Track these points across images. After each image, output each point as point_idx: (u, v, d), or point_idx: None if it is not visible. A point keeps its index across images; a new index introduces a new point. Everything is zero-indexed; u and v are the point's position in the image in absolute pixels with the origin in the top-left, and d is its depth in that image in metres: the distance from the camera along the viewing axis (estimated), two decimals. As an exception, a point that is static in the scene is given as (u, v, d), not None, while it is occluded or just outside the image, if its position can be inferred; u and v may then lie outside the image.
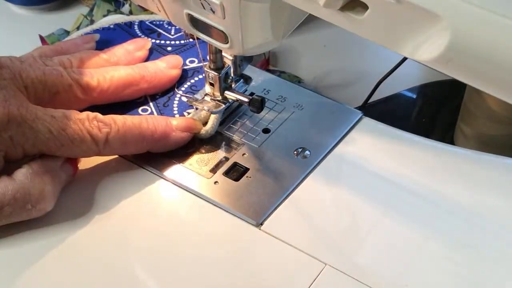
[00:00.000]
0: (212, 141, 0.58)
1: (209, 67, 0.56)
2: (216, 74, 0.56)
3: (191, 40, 0.65)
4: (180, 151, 0.56)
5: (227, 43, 0.48)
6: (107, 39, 0.65)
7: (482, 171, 0.55)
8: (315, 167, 0.55)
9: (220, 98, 0.57)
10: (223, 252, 0.50)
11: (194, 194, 0.54)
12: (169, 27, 0.67)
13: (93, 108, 0.54)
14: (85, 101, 0.56)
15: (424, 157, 0.56)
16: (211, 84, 0.57)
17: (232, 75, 0.57)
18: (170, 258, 0.50)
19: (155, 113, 0.60)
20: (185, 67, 0.63)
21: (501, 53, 0.34)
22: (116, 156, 0.56)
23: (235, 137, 0.58)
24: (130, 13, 0.77)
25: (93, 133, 0.51)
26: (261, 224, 0.51)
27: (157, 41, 0.65)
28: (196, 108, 0.58)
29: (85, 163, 0.55)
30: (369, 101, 0.67)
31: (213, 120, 0.57)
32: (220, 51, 0.55)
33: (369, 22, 0.38)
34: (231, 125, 0.59)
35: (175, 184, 0.55)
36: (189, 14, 0.48)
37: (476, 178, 0.54)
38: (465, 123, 0.64)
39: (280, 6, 0.45)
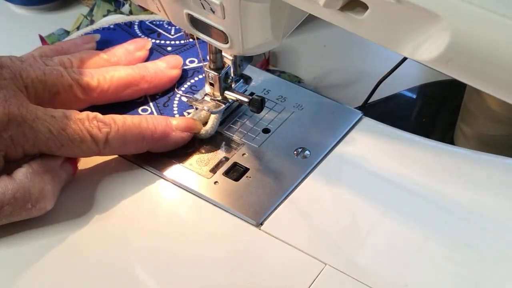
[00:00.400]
0: (212, 141, 0.58)
1: (209, 67, 0.56)
2: (216, 74, 0.56)
3: (191, 40, 0.65)
4: (180, 151, 0.56)
5: (227, 43, 0.48)
6: (107, 39, 0.65)
7: (482, 171, 0.55)
8: (315, 167, 0.55)
9: (220, 98, 0.57)
10: (223, 252, 0.50)
11: (194, 194, 0.54)
12: (169, 27, 0.67)
13: (93, 108, 0.54)
14: (85, 101, 0.56)
15: (424, 157, 0.56)
16: (211, 84, 0.57)
17: (232, 75, 0.57)
18: (170, 258, 0.50)
19: (155, 113, 0.60)
20: (185, 67, 0.63)
21: (501, 53, 0.34)
22: (116, 156, 0.56)
23: (235, 137, 0.58)
24: (130, 13, 0.77)
25: (93, 133, 0.51)
26: (261, 224, 0.51)
27: (157, 41, 0.65)
28: (196, 108, 0.58)
29: (85, 163, 0.55)
30: (369, 101, 0.67)
31: (213, 120, 0.57)
32: (220, 51, 0.55)
33: (369, 22, 0.38)
34: (231, 125, 0.59)
35: (175, 184, 0.55)
36: (189, 14, 0.48)
37: (476, 178, 0.54)
38: (465, 123, 0.64)
39: (280, 6, 0.45)
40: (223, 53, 0.56)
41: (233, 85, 0.58)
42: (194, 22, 0.49)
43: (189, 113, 0.59)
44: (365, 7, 0.37)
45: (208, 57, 0.56)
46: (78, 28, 0.76)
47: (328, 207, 0.53)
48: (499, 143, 0.62)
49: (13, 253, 0.50)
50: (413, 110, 0.70)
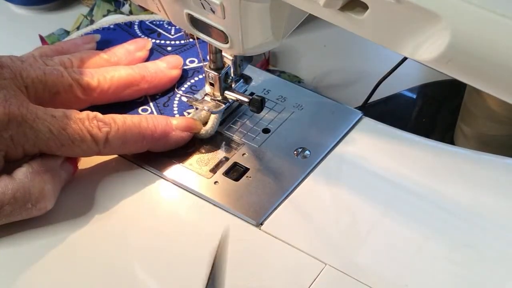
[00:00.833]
0: (212, 141, 0.58)
1: (209, 67, 0.56)
2: (216, 74, 0.56)
3: (191, 40, 0.65)
4: (180, 151, 0.56)
5: (227, 43, 0.48)
6: (107, 39, 0.65)
7: (482, 171, 0.55)
8: (315, 167, 0.55)
9: (220, 98, 0.57)
10: (223, 252, 0.50)
11: (194, 194, 0.54)
12: (169, 27, 0.67)
13: (93, 108, 0.54)
14: (86, 101, 0.56)
15: (424, 157, 0.56)
16: (211, 84, 0.57)
17: (232, 75, 0.57)
18: (170, 258, 0.50)
19: (155, 113, 0.60)
20: (185, 67, 0.63)
21: (501, 53, 0.34)
22: (116, 156, 0.56)
23: (235, 137, 0.58)
24: (130, 13, 0.77)
25: (93, 132, 0.51)
26: (261, 224, 0.51)
27: (157, 41, 0.65)
28: (196, 108, 0.58)
29: (85, 162, 0.55)
30: (369, 101, 0.67)
31: (213, 120, 0.57)
32: (220, 51, 0.55)
33: (369, 22, 0.38)
34: (231, 125, 0.59)
35: (175, 184, 0.55)
36: (189, 14, 0.48)
37: (476, 178, 0.54)
38: (465, 123, 0.64)
39: (280, 6, 0.45)
40: (223, 53, 0.56)
41: (233, 85, 0.58)
42: (194, 22, 0.49)
43: (189, 113, 0.59)
44: (365, 7, 0.37)
45: (208, 57, 0.56)
46: (78, 28, 0.76)
47: (328, 207, 0.53)
48: (499, 143, 0.62)
49: (13, 252, 0.50)
50: (413, 110, 0.70)
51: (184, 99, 0.61)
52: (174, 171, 0.55)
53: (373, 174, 0.54)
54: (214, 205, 0.53)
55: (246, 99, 0.56)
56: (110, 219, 0.52)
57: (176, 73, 0.61)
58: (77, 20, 0.77)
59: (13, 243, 0.51)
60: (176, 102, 0.61)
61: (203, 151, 0.57)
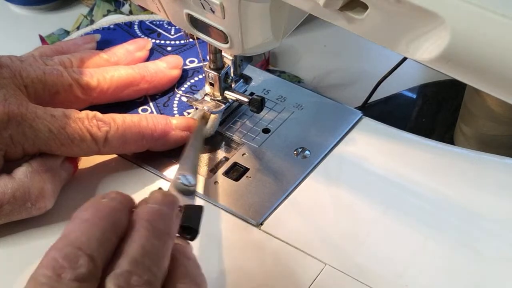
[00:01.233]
0: (212, 141, 0.58)
1: (209, 67, 0.56)
2: (216, 74, 0.56)
3: (191, 40, 0.65)
4: (180, 151, 0.56)
5: (227, 43, 0.48)
6: (107, 39, 0.65)
7: (482, 171, 0.55)
8: (315, 167, 0.55)
9: (220, 98, 0.57)
10: (223, 252, 0.50)
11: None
12: (169, 27, 0.67)
13: (93, 108, 0.54)
14: (85, 101, 0.56)
15: (424, 157, 0.56)
16: (211, 84, 0.57)
17: (232, 75, 0.57)
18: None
19: (155, 113, 0.60)
20: (185, 67, 0.63)
21: (501, 53, 0.34)
22: (116, 155, 0.56)
23: (235, 137, 0.58)
24: (130, 13, 0.77)
25: (93, 132, 0.51)
26: (261, 224, 0.51)
27: (157, 41, 0.65)
28: (196, 108, 0.58)
29: (85, 162, 0.55)
30: (369, 101, 0.67)
31: (213, 120, 0.57)
32: (220, 51, 0.55)
33: (369, 22, 0.38)
34: (231, 125, 0.59)
35: (175, 184, 0.55)
36: (189, 14, 0.48)
37: (476, 178, 0.54)
38: (465, 123, 0.64)
39: (280, 6, 0.45)
40: (223, 53, 0.56)
41: (233, 85, 0.58)
42: (194, 22, 0.49)
43: (189, 113, 0.59)
44: (365, 7, 0.37)
45: (208, 57, 0.56)
46: (78, 28, 0.76)
47: (328, 207, 0.53)
48: (499, 143, 0.62)
49: (13, 252, 0.50)
50: (413, 110, 0.70)
51: (184, 99, 0.61)
52: (174, 171, 0.55)
53: (373, 174, 0.54)
54: (214, 205, 0.53)
55: (246, 99, 0.56)
56: (110, 219, 0.52)
57: (176, 73, 0.61)
58: (77, 20, 0.77)
59: (13, 243, 0.51)
60: (176, 102, 0.61)
61: (203, 151, 0.57)
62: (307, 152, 0.56)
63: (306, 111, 0.60)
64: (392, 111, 0.69)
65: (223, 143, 0.58)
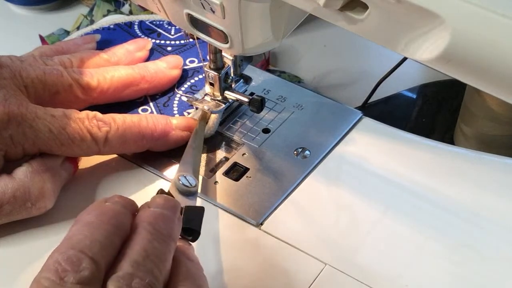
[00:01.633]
0: (212, 141, 0.58)
1: (209, 67, 0.56)
2: (216, 74, 0.56)
3: (191, 40, 0.65)
4: (180, 151, 0.56)
5: (227, 43, 0.48)
6: (107, 39, 0.65)
7: (482, 171, 0.55)
8: (315, 167, 0.55)
9: (220, 98, 0.57)
10: (223, 252, 0.50)
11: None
12: (169, 27, 0.67)
13: (93, 108, 0.54)
14: (85, 101, 0.56)
15: (424, 157, 0.56)
16: (211, 84, 0.57)
17: (232, 75, 0.57)
18: (170, 258, 0.50)
19: (155, 113, 0.60)
20: (185, 67, 0.63)
21: (501, 53, 0.34)
22: (116, 155, 0.56)
23: (235, 137, 0.58)
24: (130, 13, 0.77)
25: (93, 132, 0.51)
26: (261, 224, 0.51)
27: (157, 41, 0.65)
28: (196, 108, 0.58)
29: (85, 162, 0.55)
30: (369, 101, 0.67)
31: (213, 120, 0.57)
32: (220, 51, 0.55)
33: (369, 22, 0.38)
34: (231, 125, 0.59)
35: (175, 184, 0.55)
36: (189, 14, 0.48)
37: (476, 178, 0.54)
38: (465, 123, 0.64)
39: (280, 6, 0.45)
40: (223, 53, 0.56)
41: (233, 85, 0.58)
42: (194, 22, 0.49)
43: (189, 113, 0.59)
44: (365, 7, 0.37)
45: (208, 57, 0.56)
46: (78, 28, 0.76)
47: (328, 207, 0.53)
48: (499, 143, 0.62)
49: (13, 252, 0.50)
50: (413, 110, 0.70)
51: (184, 99, 0.61)
52: (174, 171, 0.55)
53: (373, 174, 0.54)
54: (214, 205, 0.53)
55: (246, 99, 0.56)
56: (110, 219, 0.52)
57: (176, 73, 0.61)
58: (77, 20, 0.77)
59: (13, 242, 0.51)
60: (176, 102, 0.61)
61: (203, 151, 0.57)
62: (307, 152, 0.56)
63: (306, 111, 0.60)
64: (392, 111, 0.69)
65: (223, 143, 0.58)
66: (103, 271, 0.37)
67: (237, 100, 0.57)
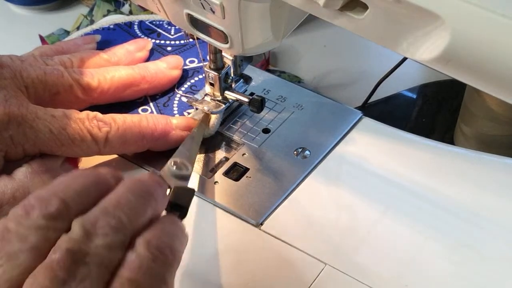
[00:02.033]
0: (212, 141, 0.58)
1: (209, 67, 0.56)
2: (216, 74, 0.56)
3: (191, 40, 0.65)
4: (180, 151, 0.56)
5: (227, 43, 0.48)
6: (107, 39, 0.65)
7: (482, 171, 0.55)
8: (315, 167, 0.55)
9: (220, 98, 0.57)
10: (223, 252, 0.50)
11: (194, 194, 0.54)
12: (169, 27, 0.67)
13: (93, 108, 0.54)
14: (86, 101, 0.56)
15: (424, 157, 0.56)
16: (211, 84, 0.57)
17: (232, 75, 0.57)
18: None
19: (155, 113, 0.60)
20: (185, 67, 0.63)
21: (501, 53, 0.34)
22: (116, 156, 0.56)
23: (235, 137, 0.58)
24: (130, 13, 0.77)
25: (93, 132, 0.51)
26: (261, 224, 0.51)
27: (157, 41, 0.65)
28: (196, 108, 0.58)
29: (85, 162, 0.55)
30: (369, 101, 0.67)
31: (213, 120, 0.57)
32: (220, 51, 0.55)
33: (369, 22, 0.38)
34: (231, 125, 0.59)
35: (175, 184, 0.55)
36: (189, 14, 0.48)
37: (476, 178, 0.54)
38: (465, 123, 0.64)
39: (280, 6, 0.45)
40: (223, 53, 0.56)
41: (233, 85, 0.58)
42: (194, 22, 0.49)
43: (189, 113, 0.59)
44: (365, 7, 0.37)
45: (208, 57, 0.56)
46: (78, 28, 0.76)
47: (328, 207, 0.53)
48: (499, 143, 0.62)
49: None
50: (413, 110, 0.70)
51: (184, 99, 0.61)
52: (174, 171, 0.55)
53: (373, 174, 0.54)
54: (214, 205, 0.53)
55: (246, 99, 0.56)
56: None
57: (176, 73, 0.61)
58: (77, 20, 0.77)
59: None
60: (176, 102, 0.61)
61: (203, 151, 0.57)
62: (307, 152, 0.56)
63: (306, 111, 0.60)
64: (392, 111, 0.69)
65: (223, 143, 0.58)
66: (72, 214, 0.36)
67: (237, 100, 0.57)
